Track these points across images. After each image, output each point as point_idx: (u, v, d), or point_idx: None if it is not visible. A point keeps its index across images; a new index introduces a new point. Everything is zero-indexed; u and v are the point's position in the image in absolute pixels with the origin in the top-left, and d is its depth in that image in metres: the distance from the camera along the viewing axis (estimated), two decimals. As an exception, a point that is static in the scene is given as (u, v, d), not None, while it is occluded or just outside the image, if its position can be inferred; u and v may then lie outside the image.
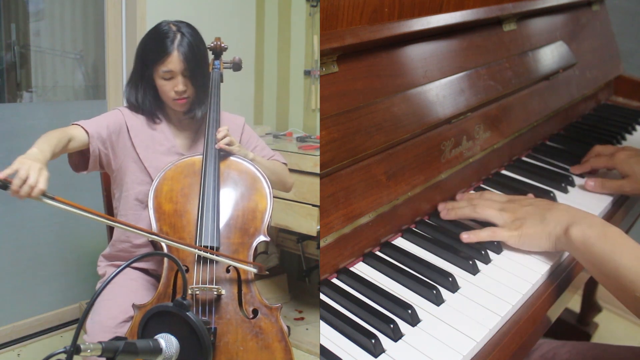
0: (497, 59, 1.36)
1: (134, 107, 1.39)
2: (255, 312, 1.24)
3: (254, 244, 1.28)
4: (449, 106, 1.18)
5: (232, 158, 1.35)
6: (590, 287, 2.12)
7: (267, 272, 1.32)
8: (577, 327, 2.20)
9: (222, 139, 1.31)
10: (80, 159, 1.33)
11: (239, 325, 1.22)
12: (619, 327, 2.32)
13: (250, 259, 1.28)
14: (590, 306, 2.17)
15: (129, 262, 0.77)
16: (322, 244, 0.95)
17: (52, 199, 1.05)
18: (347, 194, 0.98)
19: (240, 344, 1.21)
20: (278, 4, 2.51)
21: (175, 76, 1.30)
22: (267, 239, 1.30)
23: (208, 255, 1.23)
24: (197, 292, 1.22)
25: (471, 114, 1.25)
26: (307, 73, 2.42)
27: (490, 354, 0.86)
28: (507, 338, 0.89)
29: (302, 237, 2.24)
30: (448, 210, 1.14)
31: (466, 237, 1.04)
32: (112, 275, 0.75)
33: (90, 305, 0.74)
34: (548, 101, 1.53)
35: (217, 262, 1.25)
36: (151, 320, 0.84)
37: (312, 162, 1.95)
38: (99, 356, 0.73)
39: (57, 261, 2.12)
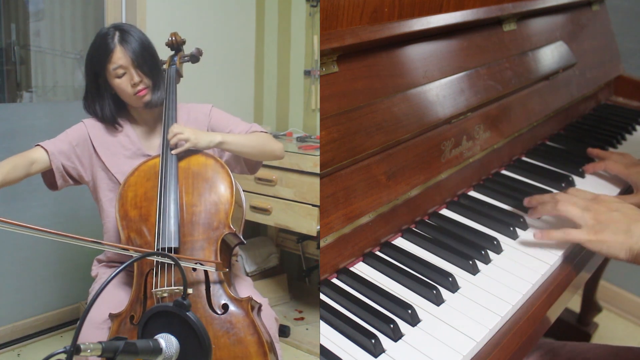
0: (497, 59, 1.36)
1: (97, 116, 1.40)
2: (225, 307, 1.21)
3: (220, 238, 1.25)
4: (449, 106, 1.18)
5: (192, 153, 1.33)
6: (590, 287, 2.11)
7: (227, 269, 1.29)
8: (577, 327, 2.20)
9: (171, 138, 1.29)
10: (52, 177, 1.35)
11: (209, 323, 1.19)
12: (619, 327, 2.32)
13: (216, 253, 1.25)
14: (590, 306, 2.16)
15: (125, 264, 0.77)
16: (322, 244, 0.95)
17: None
18: (347, 194, 0.98)
19: (212, 342, 1.19)
20: (278, 4, 2.51)
21: (128, 70, 1.31)
22: (233, 230, 1.26)
23: (166, 260, 1.21)
24: (165, 295, 1.19)
25: (471, 114, 1.25)
26: (307, 73, 2.42)
27: (490, 354, 0.86)
28: (507, 338, 0.89)
29: (302, 237, 2.25)
30: (533, 208, 1.10)
31: (539, 235, 0.98)
32: (112, 275, 0.75)
33: (90, 305, 0.74)
34: (548, 101, 1.53)
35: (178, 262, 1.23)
36: (151, 320, 0.84)
37: (312, 162, 1.95)
38: (99, 356, 0.73)
39: (57, 261, 2.12)
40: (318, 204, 0.96)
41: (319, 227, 1.25)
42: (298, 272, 2.48)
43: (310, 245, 2.31)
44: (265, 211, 2.07)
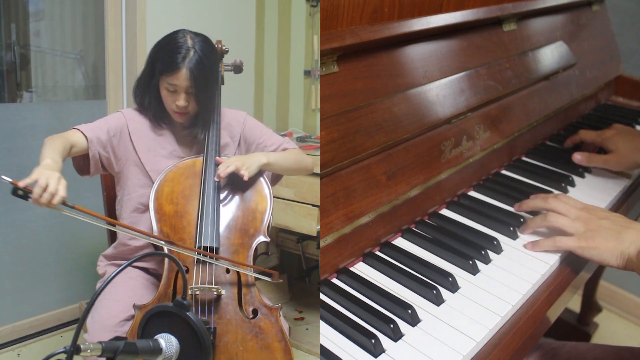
0: (497, 59, 1.36)
1: (141, 108, 1.39)
2: (255, 312, 1.24)
3: (254, 245, 1.29)
4: (449, 106, 1.18)
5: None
6: (590, 287, 2.12)
7: (280, 280, 1.32)
8: (577, 327, 2.20)
9: (223, 172, 1.28)
10: (84, 162, 1.34)
11: (239, 325, 1.22)
12: (619, 327, 2.32)
13: (251, 259, 1.28)
14: (590, 306, 2.17)
15: (130, 261, 0.77)
16: (322, 244, 0.95)
17: (72, 207, 1.09)
18: (347, 194, 0.98)
19: (240, 344, 1.21)
20: (278, 4, 2.51)
21: (179, 91, 1.30)
22: (267, 239, 1.30)
23: (207, 259, 1.23)
24: (197, 293, 1.22)
25: (471, 114, 1.25)
26: (307, 73, 2.42)
27: (490, 354, 0.86)
28: (507, 338, 0.89)
29: (302, 237, 2.25)
30: (524, 224, 1.13)
31: (530, 247, 1.01)
32: (113, 275, 0.75)
33: (91, 305, 0.74)
34: (548, 101, 1.53)
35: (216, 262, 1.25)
36: (151, 320, 0.84)
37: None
38: (99, 356, 0.73)
39: (57, 261, 2.12)
40: (318, 204, 0.96)
41: (319, 227, 1.25)
42: (298, 272, 2.48)
43: (310, 245, 2.31)
44: (265, 211, 2.07)
